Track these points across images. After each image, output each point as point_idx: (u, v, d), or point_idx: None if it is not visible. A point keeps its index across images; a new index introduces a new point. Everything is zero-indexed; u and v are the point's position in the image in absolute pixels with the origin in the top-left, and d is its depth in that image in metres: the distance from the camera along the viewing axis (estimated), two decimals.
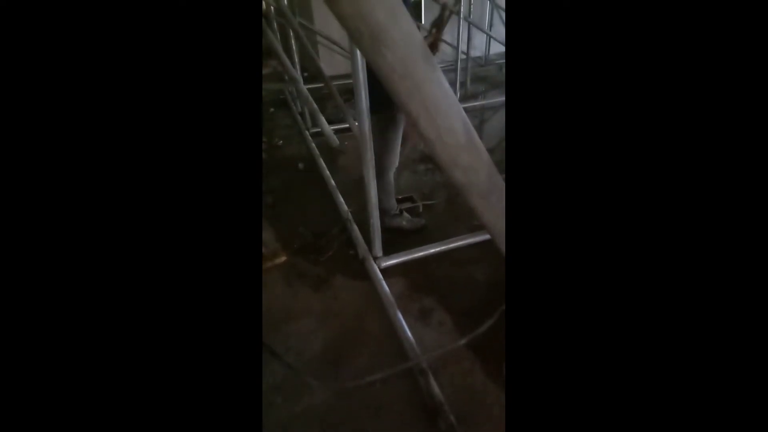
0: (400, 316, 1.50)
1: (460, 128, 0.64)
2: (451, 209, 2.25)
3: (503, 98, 3.83)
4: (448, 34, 3.70)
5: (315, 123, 3.05)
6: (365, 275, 1.75)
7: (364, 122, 1.51)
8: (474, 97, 4.00)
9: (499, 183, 0.74)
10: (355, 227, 2.00)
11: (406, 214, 2.06)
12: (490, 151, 0.74)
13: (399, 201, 2.22)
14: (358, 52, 1.35)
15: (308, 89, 2.86)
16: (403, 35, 0.48)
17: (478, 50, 5.00)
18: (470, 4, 4.29)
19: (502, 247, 0.79)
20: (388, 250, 1.81)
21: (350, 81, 1.48)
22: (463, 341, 1.33)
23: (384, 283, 1.67)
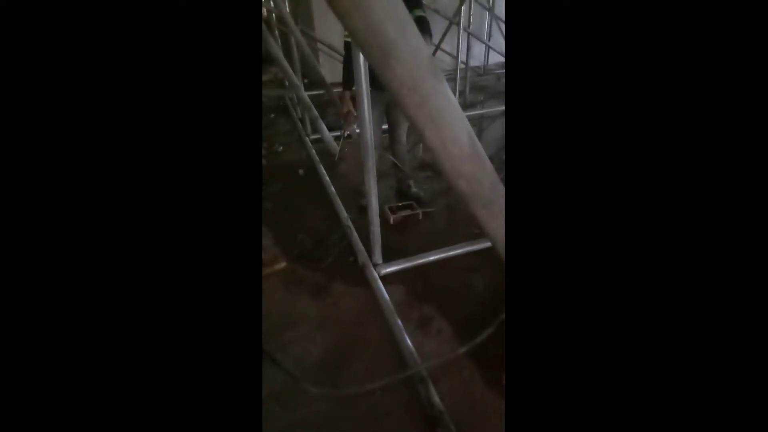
0: (399, 323, 1.50)
1: (465, 139, 0.65)
2: (451, 217, 2.25)
3: (501, 107, 3.87)
4: (447, 44, 3.77)
5: (315, 129, 3.06)
6: (365, 282, 1.75)
7: (365, 129, 1.53)
8: (473, 105, 4.04)
9: (502, 192, 0.75)
10: (355, 234, 2.01)
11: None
12: (489, 159, 0.75)
13: (399, 208, 2.23)
14: (360, 60, 1.37)
15: (309, 96, 2.88)
16: (412, 49, 0.50)
17: (476, 60, 5.07)
18: (470, 15, 4.38)
19: (504, 255, 0.80)
20: (388, 257, 1.82)
21: None
22: (462, 350, 1.33)
23: (384, 290, 1.67)
